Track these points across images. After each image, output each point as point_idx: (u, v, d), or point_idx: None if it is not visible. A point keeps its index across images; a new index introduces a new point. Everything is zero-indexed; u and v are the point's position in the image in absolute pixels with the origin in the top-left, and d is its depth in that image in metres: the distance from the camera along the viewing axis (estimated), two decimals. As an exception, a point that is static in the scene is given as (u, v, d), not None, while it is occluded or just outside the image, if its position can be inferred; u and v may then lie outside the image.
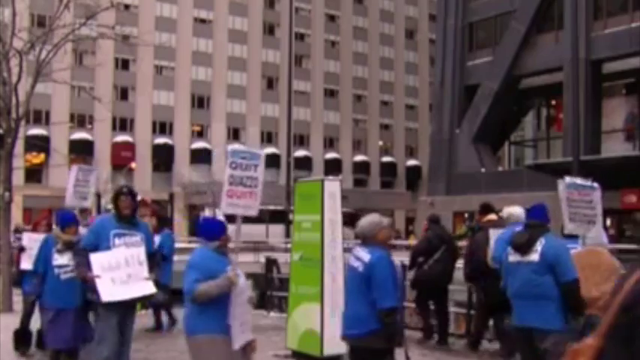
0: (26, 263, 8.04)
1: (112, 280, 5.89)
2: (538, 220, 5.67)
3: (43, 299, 6.58)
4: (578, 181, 7.10)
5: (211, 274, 5.02)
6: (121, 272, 5.93)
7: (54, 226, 6.92)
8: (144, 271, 6.06)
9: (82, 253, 6.08)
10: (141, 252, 6.12)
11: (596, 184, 6.90)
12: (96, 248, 6.02)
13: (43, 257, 6.58)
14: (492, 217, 8.77)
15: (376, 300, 4.84)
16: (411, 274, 9.48)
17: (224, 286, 5.01)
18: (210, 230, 5.38)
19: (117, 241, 6.08)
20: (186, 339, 5.20)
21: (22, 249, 8.45)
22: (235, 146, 6.13)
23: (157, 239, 8.41)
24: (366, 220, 5.19)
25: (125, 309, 6.17)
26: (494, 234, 7.72)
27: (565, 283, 5.32)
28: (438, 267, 9.22)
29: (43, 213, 10.30)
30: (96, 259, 5.96)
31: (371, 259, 4.95)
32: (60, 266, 6.52)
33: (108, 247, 6.03)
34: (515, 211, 7.74)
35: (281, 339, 8.37)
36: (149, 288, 6.13)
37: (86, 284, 6.16)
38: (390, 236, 5.37)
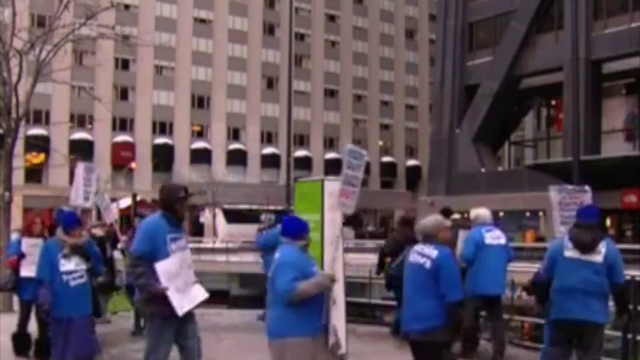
0: (26, 270, 7.71)
1: (176, 290, 5.35)
2: (594, 221, 5.86)
3: (51, 309, 6.04)
4: (569, 186, 7.61)
5: (305, 274, 4.92)
6: (179, 280, 5.42)
7: (57, 231, 6.32)
8: (192, 274, 5.65)
9: (142, 263, 5.34)
10: (189, 255, 5.69)
11: (587, 187, 7.10)
12: (153, 256, 5.33)
13: (48, 264, 6.08)
14: (456, 216, 9.19)
15: (445, 294, 5.00)
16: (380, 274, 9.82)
17: (324, 285, 4.98)
18: (297, 229, 5.30)
19: (173, 245, 5.45)
20: (271, 341, 4.97)
21: (22, 255, 7.98)
22: (350, 145, 6.07)
23: None
24: (430, 220, 5.42)
25: (183, 319, 5.55)
26: (463, 234, 8.13)
27: (619, 284, 5.76)
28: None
29: (31, 214, 9.45)
30: (162, 268, 5.31)
31: (438, 255, 5.13)
32: (68, 272, 6.08)
33: (167, 254, 5.36)
34: (482, 212, 8.12)
35: (281, 339, 8.34)
36: (203, 292, 5.66)
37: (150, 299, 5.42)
38: (449, 236, 5.64)
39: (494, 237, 8.00)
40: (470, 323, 8.05)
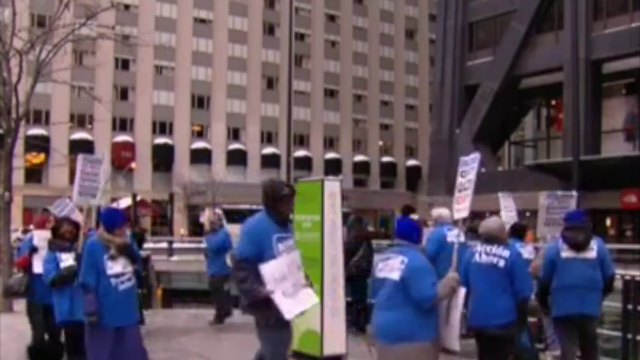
0: (39, 266, 7.10)
1: (283, 293, 4.97)
2: (583, 222, 6.49)
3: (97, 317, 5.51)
4: (559, 192, 8.24)
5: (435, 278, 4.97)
6: (287, 283, 5.02)
7: (99, 230, 5.76)
8: (303, 276, 5.20)
9: (245, 267, 4.96)
10: (298, 256, 5.25)
11: (574, 192, 8.00)
12: (259, 259, 4.97)
13: (93, 267, 5.51)
14: (414, 216, 9.42)
15: (521, 290, 5.45)
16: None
17: (454, 289, 5.02)
18: (416, 231, 5.20)
19: (280, 246, 5.09)
20: (392, 345, 4.84)
21: (33, 249, 7.34)
22: (463, 157, 6.01)
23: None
24: (493, 222, 5.89)
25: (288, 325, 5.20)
26: (425, 233, 8.47)
27: (610, 276, 6.38)
28: (363, 263, 9.89)
29: (44, 214, 9.00)
30: (267, 270, 4.95)
31: (511, 254, 5.58)
32: (116, 276, 5.55)
33: (272, 256, 5.01)
34: (444, 212, 8.69)
35: (281, 339, 8.34)
36: (314, 296, 5.28)
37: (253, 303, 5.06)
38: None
39: (455, 235, 8.09)
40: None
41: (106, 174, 7.97)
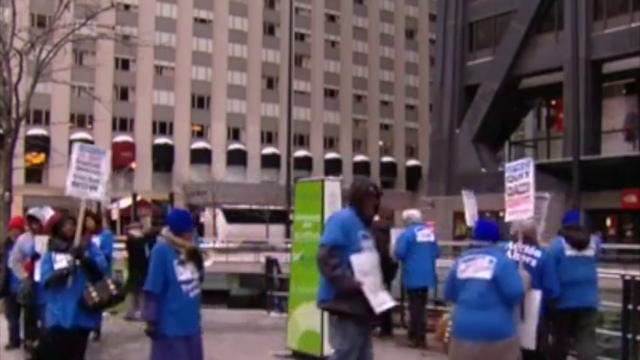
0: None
1: (368, 288, 4.97)
2: (578, 222, 7.07)
3: (160, 326, 5.14)
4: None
5: None
6: (369, 279, 5.01)
7: (166, 233, 5.33)
8: (381, 278, 5.21)
9: (337, 254, 4.94)
10: (377, 257, 5.25)
11: (547, 195, 8.11)
12: (346, 250, 4.99)
13: (163, 272, 5.12)
14: (375, 218, 9.90)
15: (549, 290, 5.92)
16: None
17: (528, 288, 5.46)
18: (494, 231, 5.45)
19: (364, 243, 5.08)
20: (492, 342, 4.97)
21: (35, 256, 7.04)
22: (511, 164, 6.44)
23: (97, 240, 8.04)
24: (529, 223, 6.26)
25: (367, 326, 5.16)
26: (395, 233, 9.40)
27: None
28: None
29: (56, 214, 8.30)
30: (357, 262, 4.96)
31: (542, 255, 6.10)
32: (186, 282, 5.19)
33: (357, 250, 5.03)
34: (414, 214, 9.39)
35: (281, 339, 8.36)
36: (391, 299, 5.25)
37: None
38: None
39: (425, 235, 9.19)
40: (417, 313, 9.11)
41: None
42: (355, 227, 5.07)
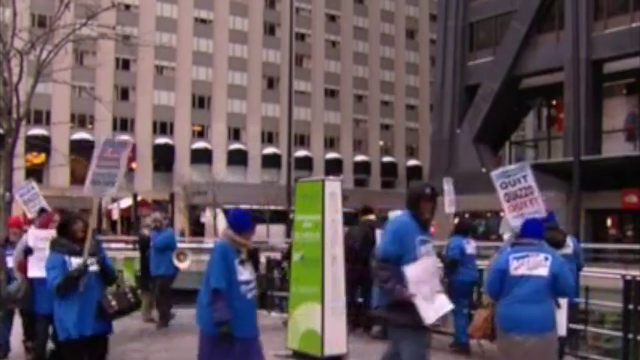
0: (35, 269, 6.52)
1: (423, 297, 4.94)
2: (555, 222, 7.33)
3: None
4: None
5: None
6: (426, 287, 4.98)
7: (229, 231, 5.19)
8: (438, 282, 5.19)
9: (387, 266, 4.93)
10: (436, 260, 5.30)
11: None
12: (400, 259, 4.95)
13: (226, 270, 4.98)
14: (372, 217, 10.26)
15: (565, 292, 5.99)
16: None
17: None
18: (542, 230, 5.66)
19: (422, 249, 5.03)
20: (541, 335, 5.27)
21: (28, 250, 6.69)
22: (497, 171, 6.67)
23: None
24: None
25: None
26: (380, 231, 9.18)
27: (581, 268, 7.61)
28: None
29: (51, 212, 7.98)
30: (410, 273, 4.90)
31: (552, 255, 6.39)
32: (246, 282, 5.08)
33: (414, 258, 4.97)
34: (399, 214, 9.13)
35: (282, 339, 8.36)
36: (448, 302, 5.22)
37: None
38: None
39: None
40: None
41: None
42: (412, 233, 5.03)
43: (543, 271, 5.30)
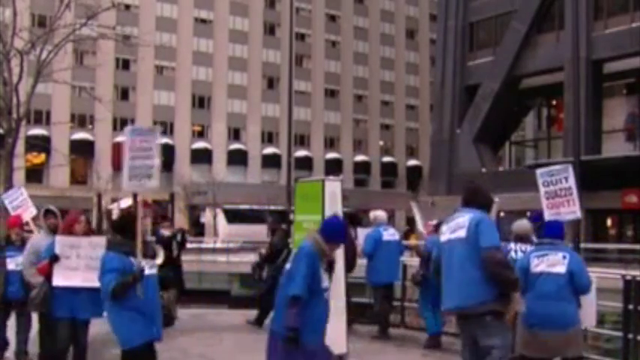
0: (61, 277, 6.12)
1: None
2: (542, 222, 7.10)
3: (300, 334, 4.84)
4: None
5: None
6: None
7: (318, 236, 5.01)
8: None
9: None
10: None
11: (496, 199, 9.25)
12: None
13: (311, 276, 4.82)
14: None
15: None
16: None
17: None
18: (562, 231, 5.97)
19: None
20: (564, 331, 5.56)
21: (54, 258, 6.20)
22: (543, 170, 7.00)
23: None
24: (524, 224, 6.77)
25: None
26: (362, 233, 10.13)
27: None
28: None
29: (73, 212, 7.28)
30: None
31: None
32: (326, 290, 4.99)
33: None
34: (380, 214, 10.02)
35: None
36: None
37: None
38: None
39: (390, 234, 9.82)
40: (385, 308, 9.63)
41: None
42: None
43: (561, 268, 5.60)
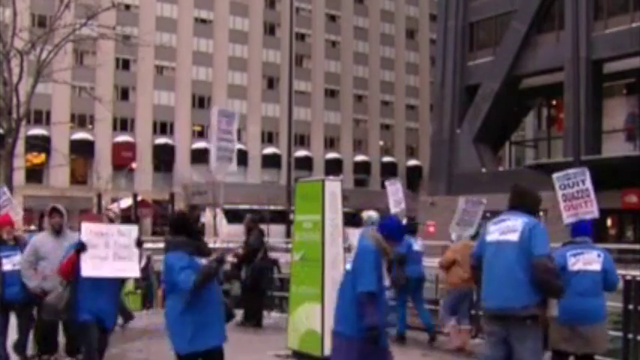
0: (90, 267, 5.59)
1: None
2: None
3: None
4: (474, 198, 10.45)
5: None
6: None
7: (378, 234, 4.96)
8: None
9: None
10: None
11: (484, 200, 10.36)
12: None
13: (378, 272, 4.79)
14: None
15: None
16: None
17: None
18: (592, 230, 6.33)
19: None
20: (597, 324, 5.90)
21: (82, 247, 5.63)
22: (560, 173, 7.31)
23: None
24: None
25: None
26: (354, 232, 9.63)
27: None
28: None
29: (89, 214, 6.74)
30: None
31: None
32: (387, 289, 5.02)
33: None
34: (372, 214, 9.84)
35: (282, 339, 8.36)
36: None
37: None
38: None
39: None
40: None
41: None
42: None
43: (597, 266, 5.94)
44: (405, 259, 8.92)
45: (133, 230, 5.91)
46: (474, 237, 9.88)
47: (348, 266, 4.96)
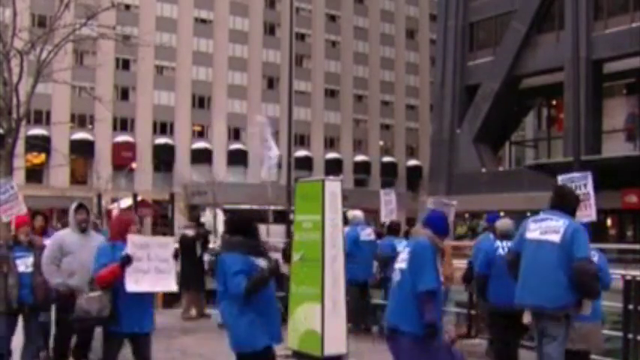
0: (133, 283, 5.38)
1: None
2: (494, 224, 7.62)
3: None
4: (444, 200, 10.80)
5: None
6: None
7: (427, 231, 5.03)
8: None
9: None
10: None
11: (454, 202, 10.66)
12: None
13: (436, 269, 4.87)
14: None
15: None
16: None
17: None
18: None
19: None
20: (593, 324, 5.98)
21: (127, 260, 5.39)
22: (565, 176, 7.60)
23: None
24: (508, 222, 7.09)
25: None
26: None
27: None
28: None
29: (121, 216, 6.43)
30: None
31: None
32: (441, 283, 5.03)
33: None
34: (358, 214, 10.34)
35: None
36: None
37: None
38: None
39: (367, 234, 10.16)
40: (361, 305, 9.97)
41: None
42: None
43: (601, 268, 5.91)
44: (388, 260, 8.95)
45: (170, 243, 5.85)
46: (473, 236, 9.98)
47: (403, 265, 4.99)
